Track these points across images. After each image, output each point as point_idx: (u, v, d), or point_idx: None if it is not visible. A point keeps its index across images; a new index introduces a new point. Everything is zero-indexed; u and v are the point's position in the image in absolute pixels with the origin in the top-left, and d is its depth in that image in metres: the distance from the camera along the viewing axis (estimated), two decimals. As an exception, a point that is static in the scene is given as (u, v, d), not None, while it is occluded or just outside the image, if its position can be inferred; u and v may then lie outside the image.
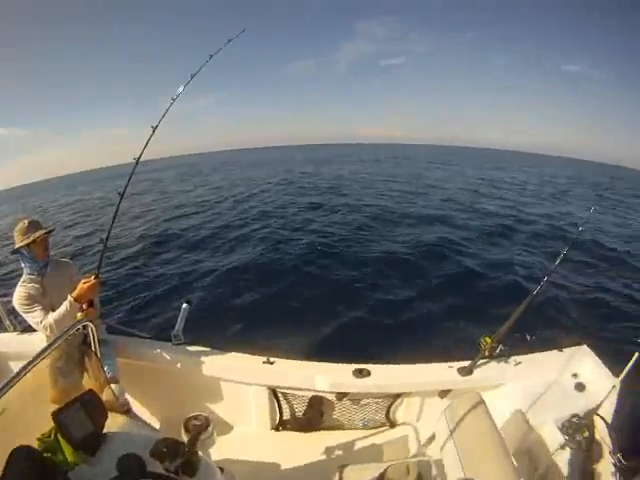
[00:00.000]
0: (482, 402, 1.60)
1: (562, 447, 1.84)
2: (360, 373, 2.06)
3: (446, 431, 1.56)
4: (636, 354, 1.74)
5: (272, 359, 2.14)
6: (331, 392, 2.14)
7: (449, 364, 2.11)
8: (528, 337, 2.03)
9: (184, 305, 2.22)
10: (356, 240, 7.72)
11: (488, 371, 2.10)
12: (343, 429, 2.31)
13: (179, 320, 2.23)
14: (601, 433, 2.00)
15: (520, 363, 2.13)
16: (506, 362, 2.12)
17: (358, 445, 2.21)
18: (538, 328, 2.05)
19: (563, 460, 1.86)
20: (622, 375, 1.80)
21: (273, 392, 2.25)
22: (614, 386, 1.82)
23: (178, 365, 2.22)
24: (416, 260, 6.66)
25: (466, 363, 2.08)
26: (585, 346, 2.19)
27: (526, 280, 5.82)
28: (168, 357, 2.23)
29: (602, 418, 1.89)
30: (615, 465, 1.89)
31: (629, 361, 1.77)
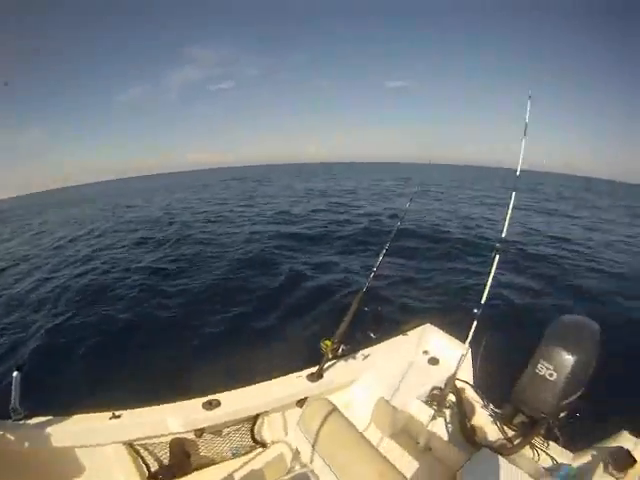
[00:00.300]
0: (329, 404, 1.63)
1: (434, 417, 2.00)
2: (210, 405, 1.95)
3: (305, 442, 1.56)
4: (475, 322, 1.98)
5: (118, 412, 1.91)
6: (187, 431, 1.99)
7: (297, 374, 2.13)
8: (372, 335, 2.19)
9: (15, 373, 1.83)
10: (184, 270, 7.54)
11: (338, 371, 2.17)
12: (216, 464, 2.16)
13: (13, 391, 1.81)
14: (467, 393, 2.27)
15: (369, 355, 2.26)
16: (354, 358, 2.23)
17: (236, 476, 2.09)
18: (379, 320, 2.25)
19: (440, 428, 2.02)
20: (467, 340, 2.01)
21: (131, 446, 2.01)
22: (463, 354, 2.02)
23: (26, 444, 1.82)
24: (246, 276, 6.84)
25: (315, 369, 2.12)
26: (429, 324, 2.45)
27: (357, 276, 6.38)
28: (12, 437, 1.81)
29: (463, 381, 2.14)
30: (491, 415, 2.14)
31: (470, 327, 2.05)
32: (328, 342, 2.08)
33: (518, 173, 2.11)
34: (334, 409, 1.61)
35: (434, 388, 2.11)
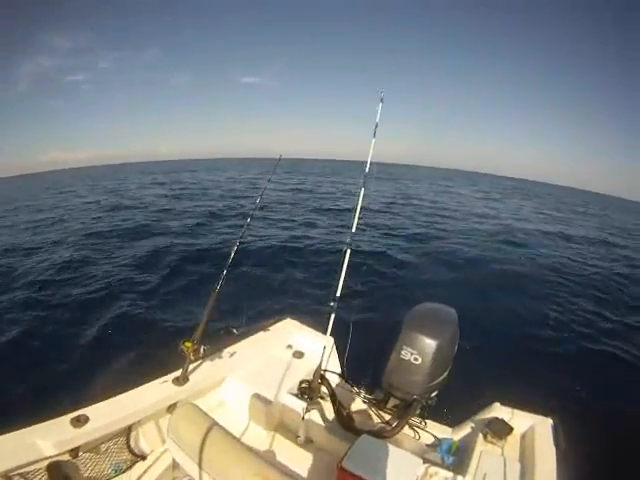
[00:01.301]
0: (196, 408, 1.57)
1: (308, 410, 2.00)
2: (78, 421, 1.82)
3: (179, 450, 1.49)
4: (333, 314, 1.98)
5: None
6: (62, 453, 1.83)
7: (162, 378, 2.04)
8: (235, 331, 2.09)
9: None
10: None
11: (204, 372, 2.10)
12: None
13: None
14: (338, 383, 2.25)
15: (234, 353, 2.22)
16: (219, 357, 2.19)
17: None
18: (241, 318, 2.17)
19: (317, 419, 2.03)
20: (328, 332, 2.06)
21: (9, 478, 1.80)
22: (326, 346, 2.03)
23: None
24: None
25: (179, 372, 2.04)
26: (289, 318, 2.43)
27: (210, 276, 6.25)
28: None
29: (331, 371, 2.17)
30: (364, 402, 2.20)
31: (328, 320, 2.00)
32: (188, 343, 2.01)
33: (367, 170, 2.13)
34: (202, 413, 1.56)
35: (302, 381, 2.12)
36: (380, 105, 2.21)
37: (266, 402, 2.06)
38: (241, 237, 2.11)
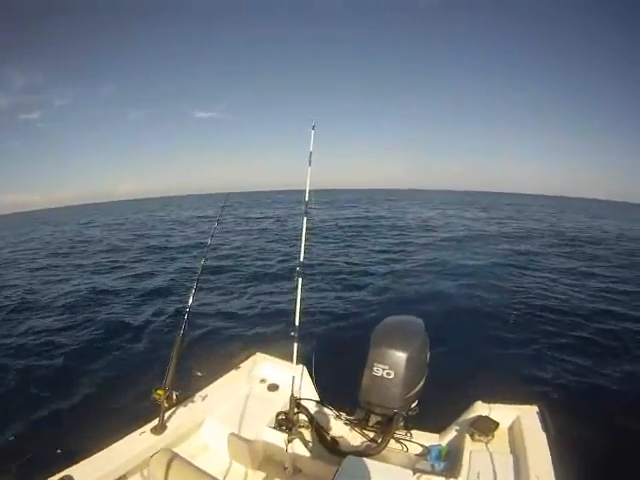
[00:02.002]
0: (174, 455, 1.53)
1: (290, 440, 1.98)
2: None
3: None
4: (296, 343, 1.97)
5: None
6: None
7: (141, 429, 2.00)
8: (199, 373, 2.07)
9: None
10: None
11: (181, 417, 2.08)
12: None
13: None
14: (317, 409, 2.23)
15: (207, 396, 2.20)
16: (193, 402, 2.18)
17: None
18: (207, 359, 2.16)
19: (301, 448, 2.01)
20: (294, 361, 2.03)
21: None
22: (298, 374, 2.01)
23: None
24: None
25: (157, 421, 2.02)
26: (258, 353, 2.43)
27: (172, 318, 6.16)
28: None
29: (307, 399, 2.17)
30: (346, 423, 2.20)
31: (293, 349, 1.99)
32: (160, 391, 2.01)
33: (307, 199, 2.20)
34: (180, 459, 1.52)
35: (279, 413, 2.09)
36: (312, 133, 2.24)
37: (247, 440, 2.04)
38: (198, 278, 2.11)
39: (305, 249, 2.02)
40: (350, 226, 17.74)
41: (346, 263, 9.83)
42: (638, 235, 16.48)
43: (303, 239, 2.05)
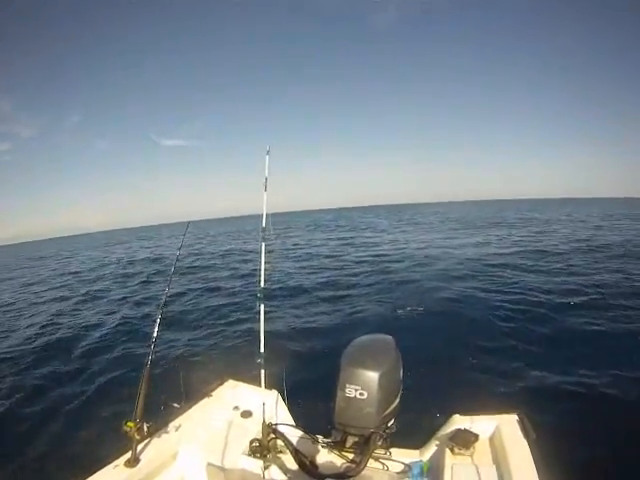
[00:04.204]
0: None
1: (267, 467, 1.95)
2: None
3: None
4: (262, 369, 1.95)
5: None
6: None
7: (114, 463, 1.96)
8: (175, 404, 2.04)
9: None
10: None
11: (153, 450, 2.05)
12: None
13: None
14: (293, 434, 2.19)
15: (180, 426, 2.17)
16: (166, 433, 2.15)
17: None
18: (177, 388, 2.13)
19: (279, 475, 1.97)
20: (262, 386, 1.99)
21: None
22: (271, 400, 1.98)
23: None
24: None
25: (129, 454, 1.98)
26: (230, 380, 2.40)
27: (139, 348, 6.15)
28: None
29: (281, 424, 2.16)
30: (322, 446, 2.17)
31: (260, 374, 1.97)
32: (131, 424, 1.96)
33: (264, 224, 2.18)
34: None
35: (252, 440, 2.04)
36: (267, 158, 2.23)
37: (223, 469, 2.01)
38: (162, 307, 2.08)
39: (266, 275, 2.01)
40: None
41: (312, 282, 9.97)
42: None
43: (262, 265, 2.05)
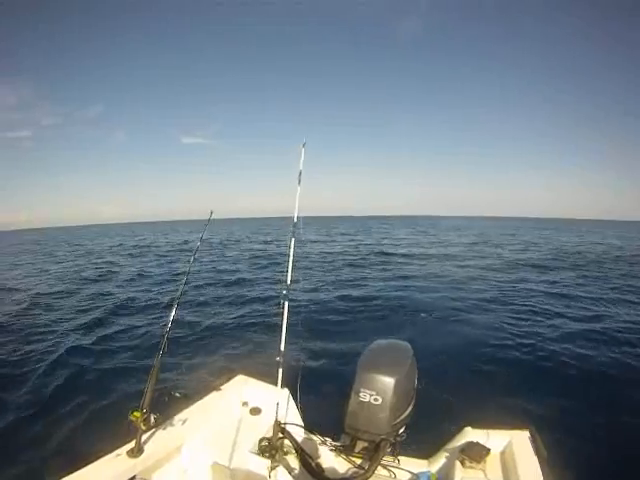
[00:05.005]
0: None
1: (273, 467, 1.88)
2: None
3: None
4: (280, 368, 1.90)
5: None
6: None
7: (116, 452, 1.91)
8: (178, 394, 1.99)
9: None
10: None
11: (159, 441, 2.00)
12: None
13: None
14: (301, 435, 2.15)
15: (187, 419, 2.11)
16: (172, 425, 2.09)
17: None
18: (187, 381, 2.08)
19: (285, 475, 1.91)
20: (279, 385, 2.01)
21: None
22: (282, 399, 1.93)
23: None
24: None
25: (133, 443, 1.92)
26: (241, 375, 2.36)
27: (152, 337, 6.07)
28: None
29: (291, 424, 2.10)
30: (331, 449, 2.08)
31: (277, 373, 1.92)
32: (137, 413, 1.90)
33: (295, 220, 2.14)
34: None
35: (262, 439, 2.01)
36: (303, 151, 2.18)
37: (228, 467, 1.97)
38: (179, 298, 2.03)
39: (293, 272, 1.96)
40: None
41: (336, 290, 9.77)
42: None
43: (290, 261, 1.99)
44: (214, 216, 2.42)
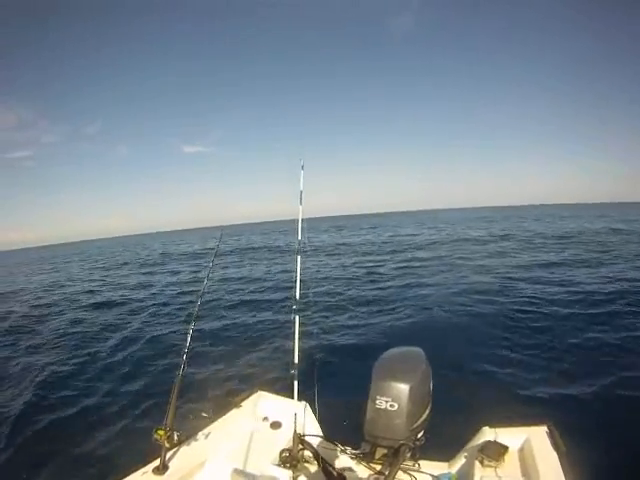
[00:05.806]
0: None
1: (294, 478, 1.96)
2: None
3: None
4: (295, 380, 1.95)
5: None
6: None
7: (142, 470, 1.98)
8: (204, 414, 2.05)
9: None
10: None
11: (182, 458, 2.07)
12: None
13: None
14: (321, 445, 2.19)
15: (209, 435, 2.16)
16: (195, 441, 2.15)
17: None
18: (208, 399, 2.14)
19: None
20: (295, 398, 1.99)
21: None
22: (300, 411, 1.98)
23: None
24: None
25: (158, 461, 2.01)
26: (259, 391, 2.41)
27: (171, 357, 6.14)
28: None
29: (311, 435, 2.15)
30: (352, 457, 2.12)
31: (293, 386, 1.97)
32: (161, 431, 1.99)
33: (299, 238, 2.19)
34: None
35: (283, 450, 2.05)
36: (302, 173, 2.25)
37: (251, 478, 2.00)
38: (195, 318, 2.09)
39: (301, 288, 2.01)
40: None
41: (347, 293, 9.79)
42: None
43: (298, 277, 2.05)
44: (222, 223, 2.49)
